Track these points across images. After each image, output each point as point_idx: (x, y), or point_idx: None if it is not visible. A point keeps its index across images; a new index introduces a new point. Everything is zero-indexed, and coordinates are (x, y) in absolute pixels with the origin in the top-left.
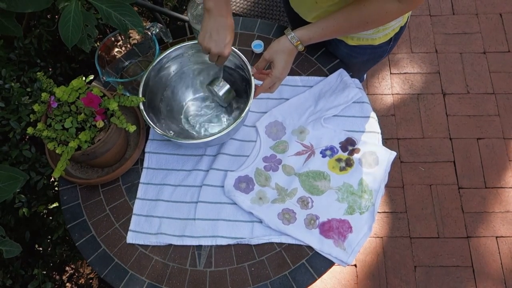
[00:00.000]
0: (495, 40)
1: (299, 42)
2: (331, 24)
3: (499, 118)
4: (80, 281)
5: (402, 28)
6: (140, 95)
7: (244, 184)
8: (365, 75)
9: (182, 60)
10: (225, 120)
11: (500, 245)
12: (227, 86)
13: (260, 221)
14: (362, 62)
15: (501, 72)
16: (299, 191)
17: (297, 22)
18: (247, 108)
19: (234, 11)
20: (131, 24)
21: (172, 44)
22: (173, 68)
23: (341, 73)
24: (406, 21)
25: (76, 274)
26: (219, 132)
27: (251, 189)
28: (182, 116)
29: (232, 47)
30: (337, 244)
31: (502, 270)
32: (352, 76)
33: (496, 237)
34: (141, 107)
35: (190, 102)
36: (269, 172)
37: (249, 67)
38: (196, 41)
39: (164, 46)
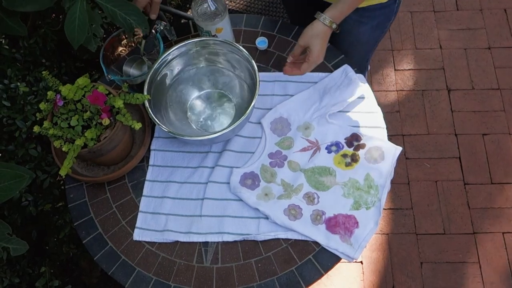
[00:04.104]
0: (500, 36)
1: (331, 22)
2: None
3: (505, 114)
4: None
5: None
6: (145, 93)
7: (250, 180)
8: (369, 65)
9: (187, 57)
10: (230, 117)
11: (506, 240)
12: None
13: (266, 217)
14: (372, 29)
15: (506, 67)
16: (305, 187)
17: (297, 15)
18: (252, 105)
19: (238, 9)
20: (136, 23)
21: (177, 42)
22: (178, 65)
23: (346, 68)
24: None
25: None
26: (224, 129)
27: (257, 185)
28: (187, 114)
29: (238, 45)
30: (343, 240)
31: (509, 266)
32: (359, 56)
33: (503, 233)
34: (147, 104)
35: (195, 99)
36: (275, 168)
37: (253, 63)
38: (201, 38)
39: (169, 44)
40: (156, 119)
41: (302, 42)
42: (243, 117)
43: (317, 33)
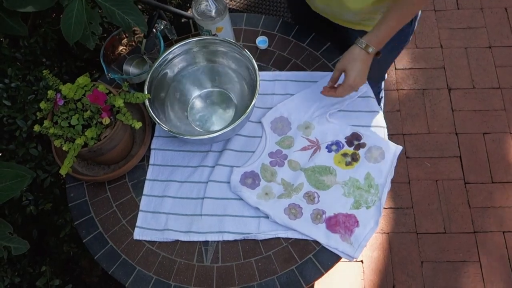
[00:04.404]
0: (501, 34)
1: (368, 45)
2: (392, 16)
3: (505, 113)
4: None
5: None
6: (146, 92)
7: (250, 179)
8: (386, 75)
9: (187, 56)
10: (230, 116)
11: (507, 240)
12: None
13: (267, 217)
14: (387, 51)
15: (506, 66)
16: (305, 186)
17: (303, 18)
18: (252, 104)
19: (238, 8)
20: (134, 22)
21: (177, 41)
22: (178, 65)
23: None
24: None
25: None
26: (224, 128)
27: (257, 184)
28: (187, 113)
29: (238, 44)
30: (343, 239)
31: (509, 265)
32: (375, 77)
33: (503, 232)
34: (147, 103)
35: (196, 98)
36: (275, 168)
37: (254, 62)
38: (202, 38)
39: (169, 43)
40: (156, 118)
41: (340, 66)
42: (243, 116)
43: (354, 57)
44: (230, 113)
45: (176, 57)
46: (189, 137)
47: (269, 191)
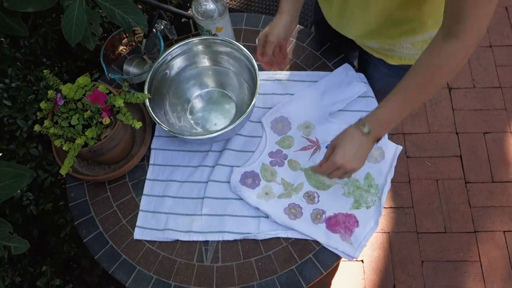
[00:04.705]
0: (501, 34)
1: (363, 124)
2: (395, 97)
3: (506, 112)
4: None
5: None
6: (146, 92)
7: (250, 179)
8: None
9: (187, 56)
10: (230, 116)
11: (507, 239)
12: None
13: (267, 216)
14: None
15: (507, 65)
16: (305, 186)
17: (328, 38)
18: (252, 104)
19: (238, 7)
20: (134, 22)
21: (177, 41)
22: (178, 64)
23: (346, 67)
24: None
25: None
26: (225, 127)
27: (257, 184)
28: (187, 113)
29: (238, 44)
30: (343, 239)
31: (510, 264)
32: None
33: (504, 231)
34: (147, 103)
35: (196, 98)
36: (275, 167)
37: (254, 62)
38: (202, 38)
39: (169, 43)
40: (156, 118)
41: (333, 141)
42: (243, 116)
43: (346, 135)
44: (231, 113)
45: (176, 57)
46: (189, 137)
47: (269, 191)
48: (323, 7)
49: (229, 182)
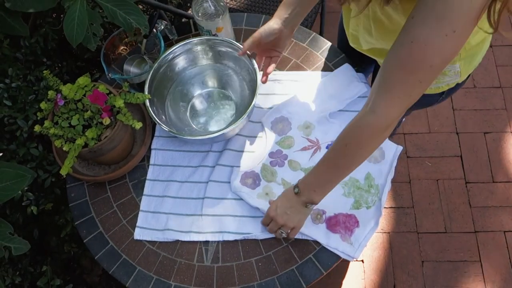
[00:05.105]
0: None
1: (296, 185)
2: (322, 161)
3: (506, 112)
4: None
5: (458, 85)
6: (146, 92)
7: (250, 179)
8: (403, 118)
9: (187, 56)
10: (230, 116)
11: (508, 239)
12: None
13: None
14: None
15: (508, 65)
16: None
17: (350, 54)
18: (252, 104)
19: (238, 7)
20: (135, 22)
21: (177, 41)
22: (178, 65)
23: (347, 68)
24: (466, 78)
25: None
26: (224, 128)
27: (258, 184)
28: (188, 113)
29: (239, 44)
30: (344, 239)
31: (510, 264)
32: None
33: (504, 231)
34: (147, 104)
35: (196, 98)
36: (275, 168)
37: (254, 63)
38: (202, 38)
39: (169, 43)
40: (156, 119)
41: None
42: (243, 116)
43: (284, 191)
44: (231, 113)
45: (177, 57)
46: (189, 137)
47: (269, 191)
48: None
49: (229, 182)
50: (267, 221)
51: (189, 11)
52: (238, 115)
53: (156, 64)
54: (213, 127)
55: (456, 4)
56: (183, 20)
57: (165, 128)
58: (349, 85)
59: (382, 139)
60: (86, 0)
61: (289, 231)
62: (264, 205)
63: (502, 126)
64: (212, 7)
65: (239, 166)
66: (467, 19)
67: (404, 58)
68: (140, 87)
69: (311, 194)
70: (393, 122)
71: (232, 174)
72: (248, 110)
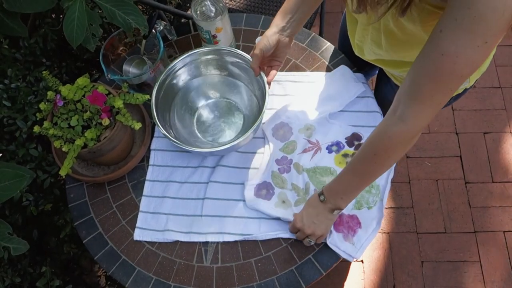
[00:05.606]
0: None
1: (321, 192)
2: (348, 168)
3: (506, 112)
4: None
5: (465, 90)
6: (153, 98)
7: (264, 190)
8: None
9: (195, 66)
10: (237, 127)
11: (508, 239)
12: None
13: (268, 217)
14: None
15: (507, 65)
16: (311, 187)
17: (354, 61)
18: (258, 120)
19: (238, 8)
20: (135, 23)
21: (177, 41)
22: (186, 74)
23: (344, 68)
24: (474, 83)
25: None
26: (233, 140)
27: (272, 193)
28: (194, 121)
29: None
30: (346, 238)
31: (510, 264)
32: None
33: (504, 231)
34: (154, 114)
35: (203, 108)
36: (284, 175)
37: (263, 75)
38: (211, 48)
39: (169, 44)
40: (157, 120)
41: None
42: (247, 133)
43: (310, 199)
44: (238, 124)
45: (184, 67)
46: (197, 150)
47: (285, 198)
48: (350, 36)
49: (230, 183)
50: (294, 230)
51: (189, 12)
52: (246, 125)
53: (162, 76)
54: (218, 137)
55: (488, 16)
56: (182, 20)
57: (163, 131)
58: (347, 85)
59: (410, 146)
60: (85, 0)
61: (316, 239)
62: (284, 214)
63: (501, 126)
64: (212, 8)
65: (243, 167)
66: (498, 30)
67: (435, 70)
68: (139, 87)
69: (338, 201)
70: (422, 130)
71: (244, 190)
72: (254, 127)
